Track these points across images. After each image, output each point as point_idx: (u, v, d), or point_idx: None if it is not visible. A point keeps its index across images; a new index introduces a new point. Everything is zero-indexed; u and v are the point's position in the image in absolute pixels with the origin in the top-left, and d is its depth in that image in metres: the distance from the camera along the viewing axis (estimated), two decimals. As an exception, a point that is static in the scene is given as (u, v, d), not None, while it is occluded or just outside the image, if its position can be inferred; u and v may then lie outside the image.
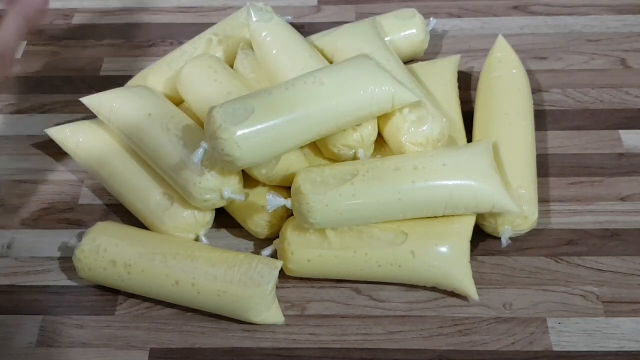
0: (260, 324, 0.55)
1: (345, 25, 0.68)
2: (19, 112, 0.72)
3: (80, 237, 0.59)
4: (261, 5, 0.67)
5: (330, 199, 0.53)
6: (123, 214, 0.63)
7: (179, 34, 0.79)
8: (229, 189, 0.56)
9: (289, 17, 0.73)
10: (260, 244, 0.60)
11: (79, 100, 0.66)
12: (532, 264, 0.58)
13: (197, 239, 0.59)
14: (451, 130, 0.61)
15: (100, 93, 0.64)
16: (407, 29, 0.70)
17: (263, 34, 0.63)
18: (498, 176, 0.55)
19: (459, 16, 0.79)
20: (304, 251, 0.55)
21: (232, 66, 0.66)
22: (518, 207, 0.56)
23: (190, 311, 0.56)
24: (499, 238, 0.57)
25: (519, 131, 0.61)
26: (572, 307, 0.55)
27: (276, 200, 0.54)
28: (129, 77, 0.71)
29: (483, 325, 0.55)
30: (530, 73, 0.68)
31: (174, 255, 0.55)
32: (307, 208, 0.53)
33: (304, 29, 0.77)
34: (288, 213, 0.59)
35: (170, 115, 0.60)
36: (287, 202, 0.55)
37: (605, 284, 0.56)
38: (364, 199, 0.54)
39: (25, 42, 0.79)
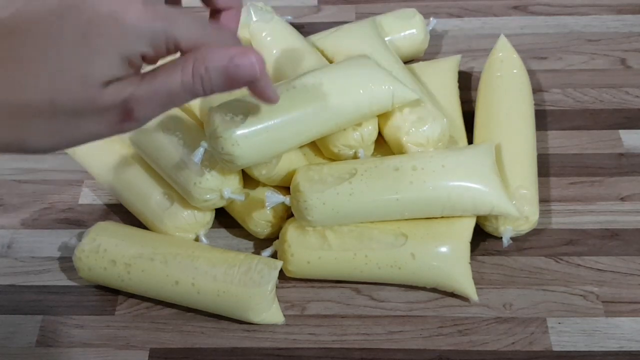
0: (260, 324, 0.55)
1: (345, 25, 0.68)
2: (19, 112, 0.72)
3: (80, 237, 0.59)
4: (261, 5, 0.67)
5: (328, 197, 0.53)
6: (123, 214, 0.63)
7: (179, 34, 0.79)
8: (229, 189, 0.56)
9: (289, 17, 0.73)
10: (260, 244, 0.60)
11: (79, 100, 0.66)
12: (532, 264, 0.58)
13: (197, 239, 0.59)
14: (452, 131, 0.61)
15: (100, 93, 0.64)
16: (407, 29, 0.70)
17: (263, 34, 0.63)
18: (498, 179, 0.55)
19: (459, 16, 0.79)
20: (304, 253, 0.55)
21: (232, 66, 0.66)
22: (519, 208, 0.55)
23: (190, 311, 0.56)
24: (500, 238, 0.57)
25: (520, 131, 0.61)
26: (572, 307, 0.55)
27: (275, 197, 0.54)
28: (129, 77, 0.71)
29: (483, 325, 0.55)
30: (530, 73, 0.68)
31: (174, 255, 0.55)
32: (305, 206, 0.53)
33: (304, 29, 0.77)
34: (288, 213, 0.59)
35: (170, 115, 0.60)
36: (286, 200, 0.55)
37: (605, 284, 0.56)
38: (361, 198, 0.54)
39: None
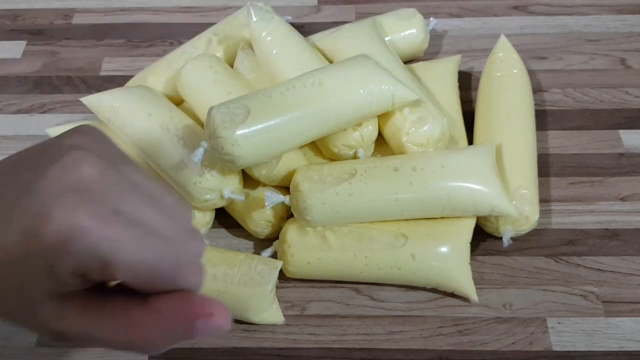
0: (260, 324, 0.55)
1: (345, 25, 0.68)
2: (19, 112, 0.72)
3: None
4: (261, 5, 0.67)
5: (327, 197, 0.53)
6: (123, 214, 0.63)
7: (179, 34, 0.79)
8: (229, 189, 0.56)
9: (289, 17, 0.73)
10: (260, 244, 0.60)
11: (79, 100, 0.66)
12: (532, 264, 0.58)
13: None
14: (452, 131, 0.61)
15: (100, 93, 0.64)
16: (407, 29, 0.70)
17: (263, 34, 0.63)
18: (498, 179, 0.55)
19: (459, 16, 0.79)
20: (304, 254, 0.55)
21: (232, 66, 0.66)
22: (519, 209, 0.55)
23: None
24: (500, 238, 0.57)
25: (520, 131, 0.61)
26: (572, 307, 0.55)
27: (275, 197, 0.54)
28: (129, 77, 0.72)
29: (483, 325, 0.55)
30: (530, 73, 0.68)
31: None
32: (304, 205, 0.53)
33: (304, 29, 0.77)
34: (288, 213, 0.59)
35: (170, 115, 0.60)
36: (286, 199, 0.55)
37: (605, 284, 0.56)
38: (360, 198, 0.54)
39: (25, 42, 0.79)
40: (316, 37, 0.69)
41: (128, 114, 0.60)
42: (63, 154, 0.30)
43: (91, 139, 0.33)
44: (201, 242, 0.33)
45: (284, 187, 0.59)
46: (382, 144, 0.61)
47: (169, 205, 0.33)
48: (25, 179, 0.30)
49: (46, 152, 0.31)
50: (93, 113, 0.65)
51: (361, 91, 0.55)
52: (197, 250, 0.32)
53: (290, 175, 0.57)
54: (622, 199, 0.62)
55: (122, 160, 0.33)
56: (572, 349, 0.53)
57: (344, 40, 0.65)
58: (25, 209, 0.29)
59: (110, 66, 0.76)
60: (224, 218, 0.62)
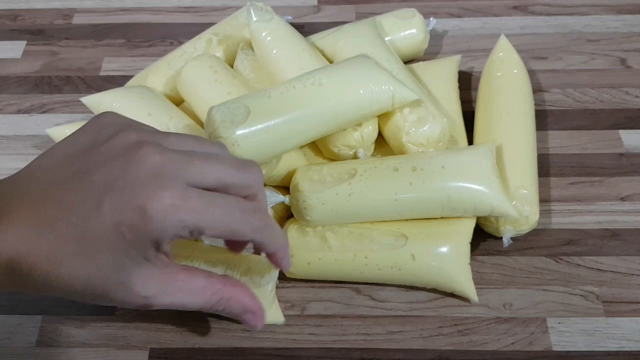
0: (260, 324, 0.55)
1: (345, 25, 0.68)
2: (19, 112, 0.72)
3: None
4: (261, 5, 0.67)
5: (327, 197, 0.54)
6: (123, 214, 0.63)
7: (179, 34, 0.79)
8: (229, 189, 0.56)
9: (289, 17, 0.73)
10: (260, 244, 0.60)
11: (79, 100, 0.66)
12: (532, 264, 0.58)
13: (197, 239, 0.59)
14: (452, 131, 0.62)
15: (100, 93, 0.64)
16: (407, 29, 0.70)
17: (263, 34, 0.63)
18: (498, 180, 0.55)
19: (459, 16, 0.79)
20: (304, 254, 0.55)
21: (232, 66, 0.66)
22: (519, 209, 0.55)
23: (190, 311, 0.56)
24: (500, 238, 0.57)
25: (520, 131, 0.61)
26: (572, 307, 0.55)
27: (275, 197, 0.55)
28: (129, 77, 0.72)
29: (483, 325, 0.55)
30: (530, 73, 0.68)
31: (174, 256, 0.55)
32: (304, 205, 0.54)
33: (304, 29, 0.77)
34: (288, 213, 0.59)
35: (170, 116, 0.60)
36: (286, 199, 0.55)
37: (605, 284, 0.56)
38: (360, 198, 0.54)
39: (25, 42, 0.79)
40: (316, 37, 0.69)
41: (128, 114, 0.59)
42: (131, 152, 0.37)
43: (137, 130, 0.39)
44: (256, 165, 0.43)
45: (284, 187, 0.59)
46: (382, 144, 0.61)
47: (212, 145, 0.41)
48: (101, 178, 0.36)
49: (107, 152, 0.38)
50: (93, 113, 0.65)
51: (361, 91, 0.55)
52: (259, 175, 0.42)
53: (290, 175, 0.57)
54: (622, 199, 0.62)
55: (156, 132, 0.40)
56: (572, 349, 0.53)
57: (344, 40, 0.65)
58: (114, 202, 0.36)
59: (110, 66, 0.76)
60: (224, 218, 0.62)
